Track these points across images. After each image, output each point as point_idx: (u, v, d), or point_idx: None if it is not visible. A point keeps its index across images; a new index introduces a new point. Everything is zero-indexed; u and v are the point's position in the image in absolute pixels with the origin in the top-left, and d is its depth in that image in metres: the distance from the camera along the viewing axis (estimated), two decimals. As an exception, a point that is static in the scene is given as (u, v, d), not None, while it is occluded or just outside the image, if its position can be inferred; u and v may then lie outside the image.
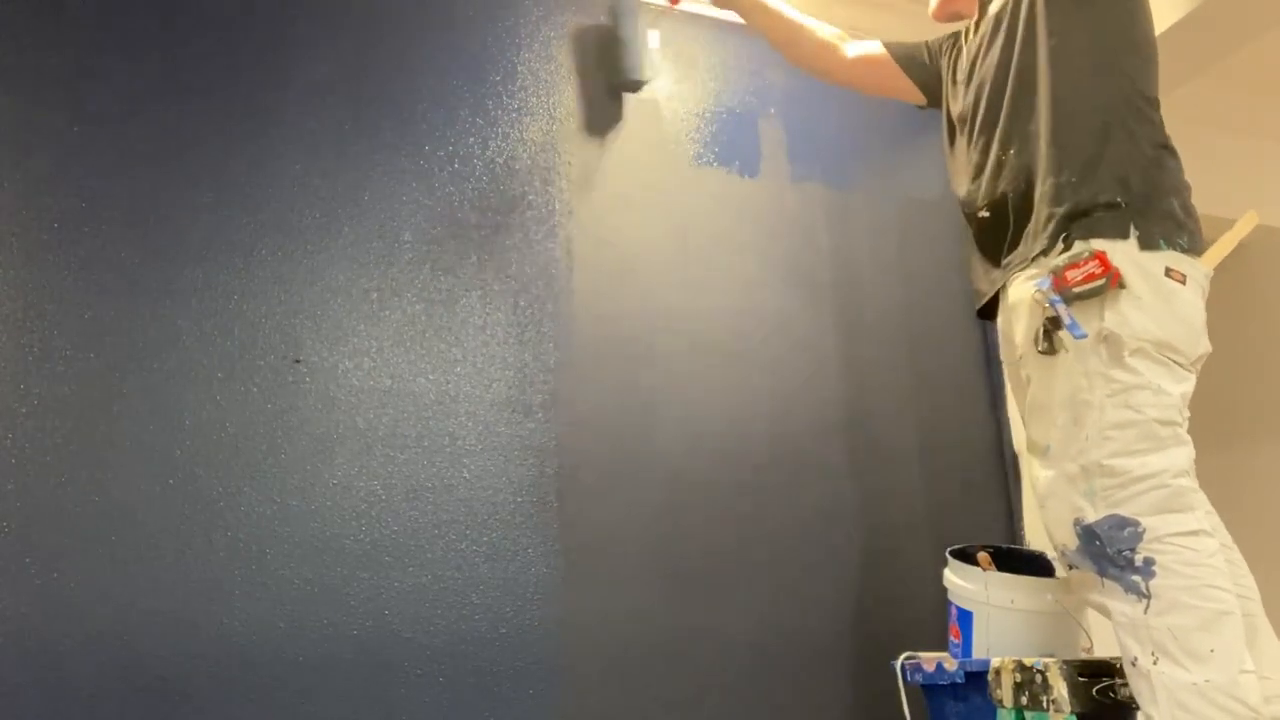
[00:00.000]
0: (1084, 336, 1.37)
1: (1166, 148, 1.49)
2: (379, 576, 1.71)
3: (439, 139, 1.98)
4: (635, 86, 2.15)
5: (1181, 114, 1.61)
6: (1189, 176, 1.51)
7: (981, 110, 1.64)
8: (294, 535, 1.68)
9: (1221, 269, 3.16)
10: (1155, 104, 1.51)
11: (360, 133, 1.92)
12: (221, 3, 1.90)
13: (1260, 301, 3.19)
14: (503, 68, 2.08)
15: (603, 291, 2.02)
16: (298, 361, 1.76)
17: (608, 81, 2.15)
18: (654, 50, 2.14)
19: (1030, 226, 1.51)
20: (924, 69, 1.93)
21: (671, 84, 2.22)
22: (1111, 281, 1.36)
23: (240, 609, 1.62)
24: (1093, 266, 1.38)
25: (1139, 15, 1.55)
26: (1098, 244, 1.40)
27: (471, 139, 2.01)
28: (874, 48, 1.99)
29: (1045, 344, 1.42)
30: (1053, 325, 1.41)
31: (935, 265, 2.32)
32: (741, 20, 2.09)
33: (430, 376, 1.84)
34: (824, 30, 2.03)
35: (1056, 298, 1.40)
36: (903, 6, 2.45)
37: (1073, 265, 1.40)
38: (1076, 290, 1.38)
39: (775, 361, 2.11)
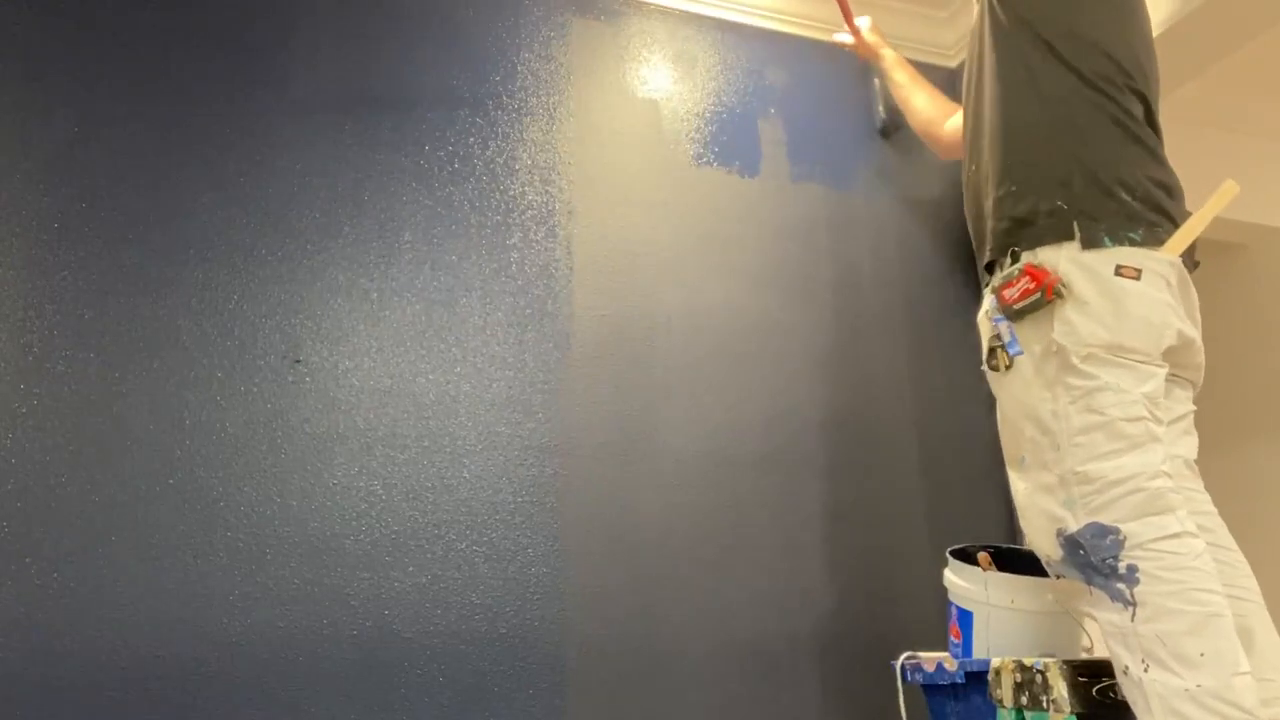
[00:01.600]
0: (1020, 354, 1.38)
1: (1126, 136, 1.44)
2: (379, 576, 1.71)
3: (439, 139, 1.98)
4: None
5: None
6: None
7: (965, 127, 1.66)
8: (294, 535, 1.68)
9: (1221, 269, 3.17)
10: (1111, 94, 1.45)
11: (360, 133, 1.92)
12: (222, 3, 1.90)
13: (1260, 301, 3.19)
14: (503, 68, 2.08)
15: (603, 291, 2.02)
16: (298, 361, 1.76)
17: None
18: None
19: (985, 241, 1.52)
20: None
21: (671, 84, 2.22)
22: (1046, 293, 1.35)
23: (240, 609, 1.62)
24: (1025, 282, 1.37)
25: (1084, 4, 1.51)
26: (1043, 253, 1.39)
27: (471, 139, 2.01)
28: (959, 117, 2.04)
29: (991, 361, 1.45)
30: (997, 342, 1.43)
31: (935, 265, 2.32)
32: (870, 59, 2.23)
33: (430, 376, 1.84)
34: (938, 103, 2.12)
35: (1000, 316, 1.42)
36: (903, 8, 2.45)
37: (1007, 284, 1.40)
38: (1017, 307, 1.38)
39: (775, 361, 2.11)
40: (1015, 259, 1.42)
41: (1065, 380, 1.34)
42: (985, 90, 1.56)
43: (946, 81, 2.45)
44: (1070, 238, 1.37)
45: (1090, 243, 1.36)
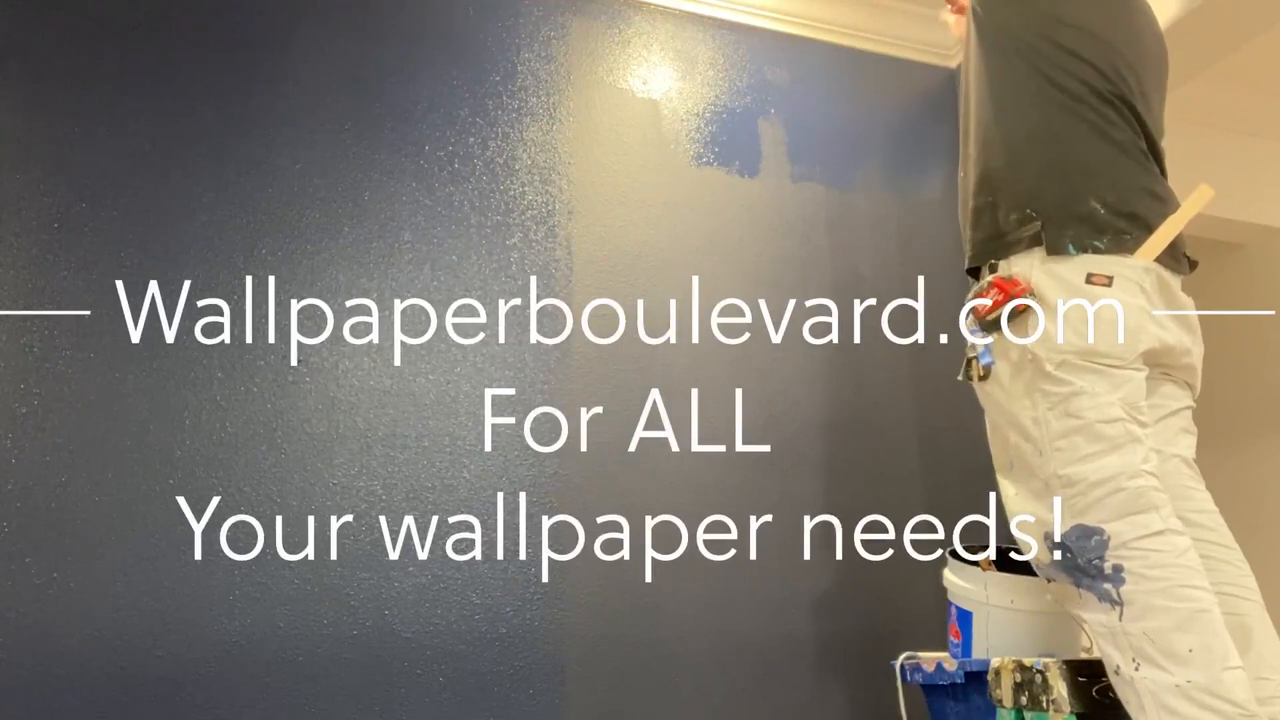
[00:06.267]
0: (991, 364, 1.41)
1: (1105, 143, 1.43)
2: (379, 576, 1.71)
3: (439, 139, 1.98)
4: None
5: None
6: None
7: (960, 133, 1.66)
8: (294, 535, 1.68)
9: (1221, 269, 3.17)
10: (1091, 103, 1.43)
11: (360, 133, 1.92)
12: (222, 3, 1.90)
13: (1259, 301, 3.19)
14: (503, 68, 2.08)
15: (603, 291, 2.02)
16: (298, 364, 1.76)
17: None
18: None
19: (967, 249, 1.54)
20: None
21: (671, 84, 2.22)
22: (1016, 294, 1.37)
23: (240, 609, 1.62)
24: (994, 294, 1.40)
25: (1066, 12, 1.48)
26: (1017, 262, 1.41)
27: (471, 139, 2.01)
28: None
29: (967, 372, 1.47)
30: (972, 353, 1.46)
31: (935, 265, 2.32)
32: None
33: (430, 376, 1.84)
34: None
35: (975, 328, 1.45)
36: (903, 8, 2.45)
37: (978, 295, 1.43)
38: (990, 319, 1.41)
39: (775, 361, 2.11)
40: (993, 269, 1.45)
41: (1042, 387, 1.36)
42: (972, 99, 1.57)
43: (946, 82, 2.45)
44: (1038, 244, 1.39)
45: (1055, 250, 1.38)
